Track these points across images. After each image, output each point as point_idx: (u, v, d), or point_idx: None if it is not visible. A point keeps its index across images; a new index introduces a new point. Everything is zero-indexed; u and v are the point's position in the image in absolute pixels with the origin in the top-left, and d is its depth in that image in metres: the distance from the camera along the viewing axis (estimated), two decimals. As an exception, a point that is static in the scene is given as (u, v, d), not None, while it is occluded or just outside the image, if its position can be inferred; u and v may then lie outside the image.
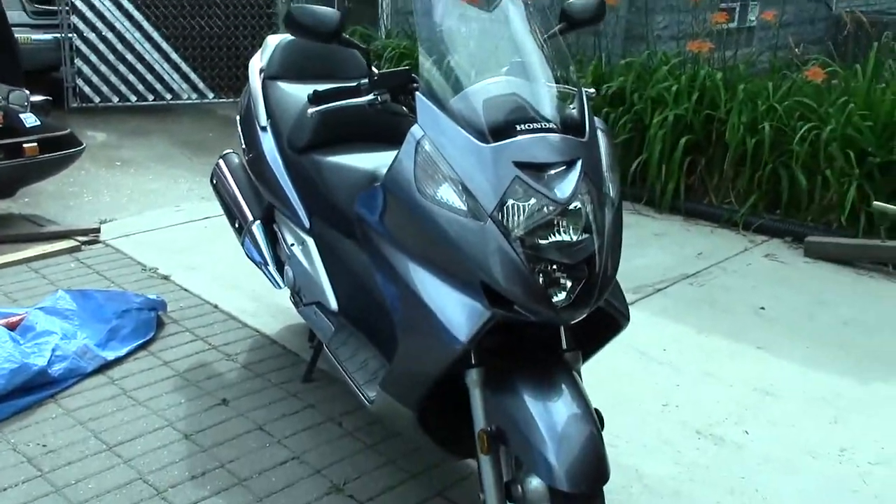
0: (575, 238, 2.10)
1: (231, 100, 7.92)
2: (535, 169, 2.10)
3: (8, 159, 4.44)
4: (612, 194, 2.24)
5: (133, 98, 7.79)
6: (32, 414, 3.05)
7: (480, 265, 2.08)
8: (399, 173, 2.20)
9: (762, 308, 4.16)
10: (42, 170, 4.75)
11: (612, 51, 6.37)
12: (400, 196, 2.21)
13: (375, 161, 2.71)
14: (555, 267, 2.09)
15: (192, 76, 7.95)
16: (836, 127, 4.90)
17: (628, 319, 2.37)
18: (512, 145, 2.10)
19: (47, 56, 7.49)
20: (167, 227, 4.91)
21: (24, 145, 4.52)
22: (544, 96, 2.26)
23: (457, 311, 2.14)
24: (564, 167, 2.13)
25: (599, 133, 2.32)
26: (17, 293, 3.96)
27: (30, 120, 4.61)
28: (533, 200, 2.06)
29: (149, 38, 7.72)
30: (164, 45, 7.78)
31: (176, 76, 7.88)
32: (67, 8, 7.38)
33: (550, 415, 2.12)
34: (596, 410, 2.25)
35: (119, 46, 7.63)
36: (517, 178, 2.06)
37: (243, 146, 3.36)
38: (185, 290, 4.09)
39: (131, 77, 7.73)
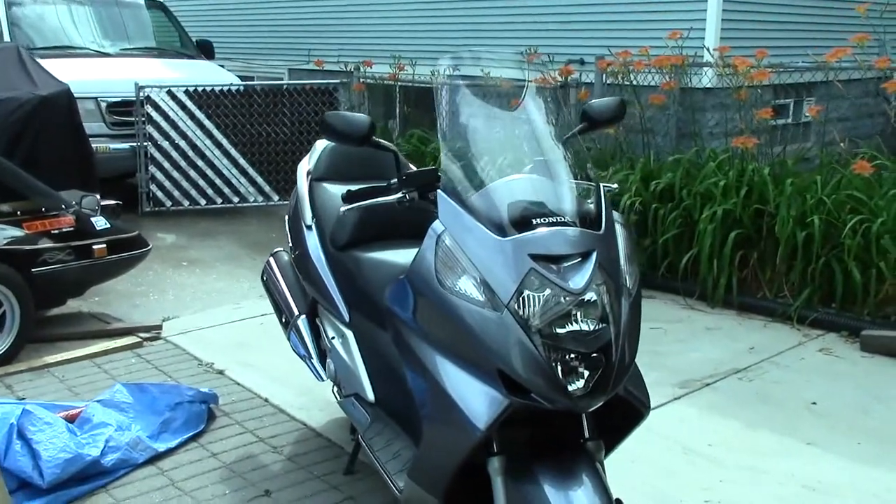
0: (590, 327, 2.16)
1: (295, 202, 8.23)
2: (551, 261, 2.18)
3: (78, 260, 4.68)
4: (628, 285, 2.31)
5: (203, 202, 8.13)
6: (85, 503, 3.16)
7: (498, 354, 2.15)
8: (421, 266, 2.31)
9: (814, 403, 4.09)
10: (111, 270, 4.99)
11: (662, 148, 6.46)
12: (422, 288, 2.30)
13: (409, 256, 2.82)
14: (572, 356, 2.15)
15: (259, 180, 8.28)
16: (886, 219, 4.87)
17: (649, 409, 2.40)
18: (528, 238, 2.19)
19: (124, 163, 7.90)
20: (225, 323, 5.08)
21: (94, 247, 4.76)
22: (561, 192, 2.36)
23: (476, 400, 2.20)
24: (580, 259, 2.21)
25: (617, 226, 2.40)
26: (79, 387, 4.14)
27: (100, 223, 4.88)
28: (548, 291, 2.14)
29: (218, 145, 8.09)
30: (233, 152, 8.14)
31: (243, 180, 8.22)
32: (143, 119, 7.82)
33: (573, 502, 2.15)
34: (618, 500, 2.26)
35: (190, 153, 8.02)
36: (532, 270, 2.15)
37: (290, 244, 3.52)
38: (238, 384, 4.22)
39: (201, 182, 8.09)
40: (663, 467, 3.45)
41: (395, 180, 2.57)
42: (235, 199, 8.23)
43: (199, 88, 8.02)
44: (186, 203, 8.09)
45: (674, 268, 5.67)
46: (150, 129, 7.88)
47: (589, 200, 2.41)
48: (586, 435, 2.32)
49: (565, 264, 2.19)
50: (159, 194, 8.01)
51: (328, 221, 3.28)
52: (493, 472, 2.23)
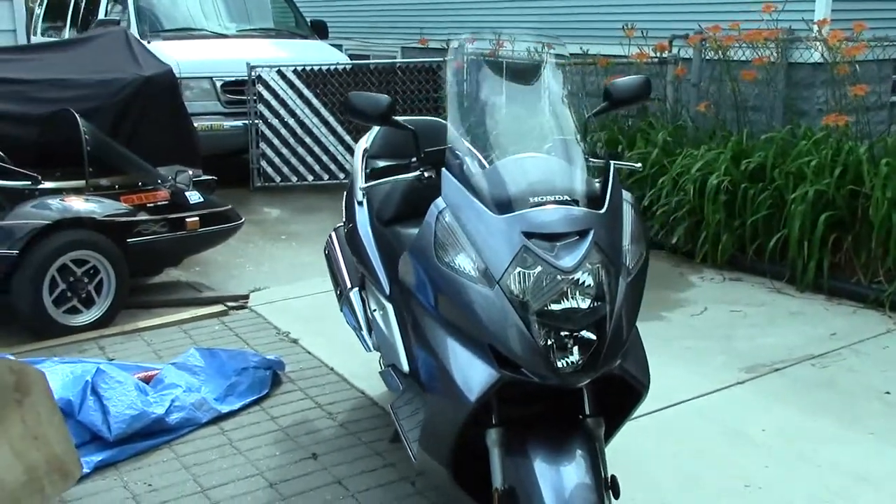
0: (580, 305, 2.19)
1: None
2: (548, 239, 2.22)
3: (172, 232, 4.99)
4: (628, 264, 2.32)
5: (310, 177, 8.43)
6: (148, 457, 3.41)
7: (489, 329, 2.21)
8: (421, 241, 2.39)
9: (887, 393, 3.93)
10: (203, 241, 5.28)
11: (764, 126, 6.26)
12: (422, 263, 2.39)
13: None
14: (563, 333, 2.18)
15: (365, 156, 8.51)
16: None
17: (646, 388, 2.40)
18: (522, 216, 2.24)
19: (237, 140, 8.27)
20: (308, 295, 5.30)
21: (187, 219, 5.06)
22: (564, 170, 2.39)
23: (469, 372, 2.27)
24: (577, 238, 2.24)
25: (625, 206, 2.41)
26: (164, 350, 4.43)
27: (194, 197, 5.17)
28: (539, 268, 2.18)
29: (325, 123, 8.36)
30: (339, 129, 8.39)
31: (349, 157, 8.47)
32: (254, 97, 8.16)
33: (558, 481, 2.20)
34: (612, 478, 2.29)
35: (299, 131, 8.31)
36: (525, 248, 2.20)
37: (344, 219, 3.66)
38: (309, 352, 4.42)
39: (309, 158, 8.38)
40: (707, 451, 3.42)
41: (415, 158, 2.65)
42: (341, 175, 8.47)
43: (308, 68, 8.28)
44: (294, 179, 8.41)
45: (762, 250, 5.51)
46: (260, 107, 8.22)
47: (597, 179, 2.43)
48: (587, 411, 2.36)
49: (561, 243, 2.23)
50: (269, 170, 8.34)
51: (377, 198, 3.40)
52: (490, 443, 2.30)
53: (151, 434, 3.49)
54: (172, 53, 8.23)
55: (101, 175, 4.84)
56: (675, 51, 6.99)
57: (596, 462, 2.28)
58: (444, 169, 2.43)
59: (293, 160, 8.37)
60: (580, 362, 2.19)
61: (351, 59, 9.40)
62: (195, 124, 7.94)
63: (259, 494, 3.14)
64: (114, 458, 3.35)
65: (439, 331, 2.37)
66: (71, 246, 4.51)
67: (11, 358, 3.24)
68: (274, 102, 8.24)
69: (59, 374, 3.57)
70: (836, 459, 3.34)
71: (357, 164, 3.66)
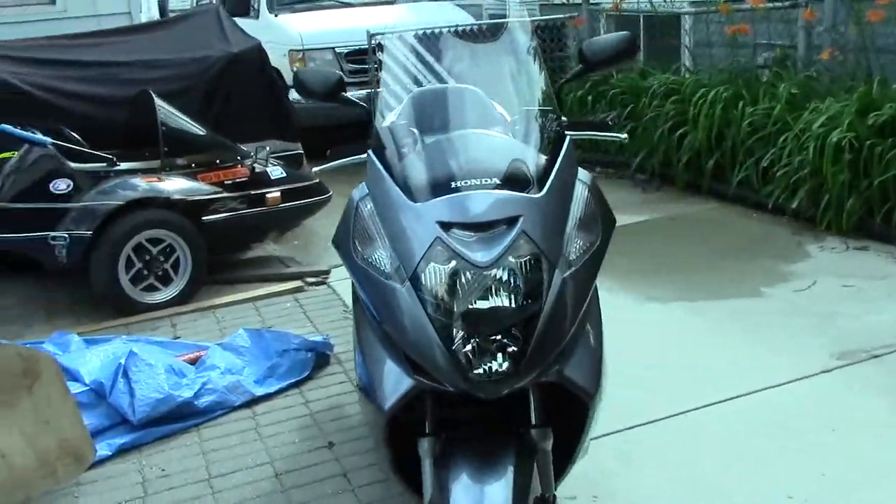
0: (504, 304, 1.92)
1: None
2: (472, 229, 1.96)
3: (251, 208, 5.00)
4: (570, 256, 2.02)
5: (434, 145, 8.31)
6: (174, 440, 3.42)
7: (399, 331, 1.99)
8: (340, 232, 2.19)
9: None
10: (287, 217, 5.26)
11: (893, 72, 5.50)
12: (342, 256, 2.19)
13: None
14: (480, 337, 1.92)
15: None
16: None
17: (592, 396, 2.08)
18: (438, 204, 2.00)
19: (360, 110, 8.25)
20: (389, 270, 5.17)
21: (267, 195, 5.06)
22: (503, 148, 2.11)
23: (386, 378, 2.07)
24: (506, 226, 1.96)
25: (578, 186, 2.10)
26: (231, 328, 4.43)
27: (276, 172, 5.16)
28: (453, 263, 1.93)
29: (447, 88, 8.19)
30: (463, 94, 8.20)
31: (473, 122, 8.27)
32: (376, 66, 8.09)
33: (479, 498, 1.95)
34: (553, 497, 2.02)
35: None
36: (438, 239, 1.95)
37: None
38: (367, 332, 4.30)
39: (432, 125, 8.26)
40: (760, 451, 3.02)
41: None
42: (466, 142, 8.29)
43: (428, 31, 8.10)
44: (419, 146, 8.31)
45: (892, 215, 4.85)
46: (382, 74, 8.13)
47: (543, 158, 2.13)
48: (532, 421, 2.09)
49: (487, 233, 1.96)
50: (393, 139, 8.28)
51: None
52: (422, 453, 2.08)
53: (181, 417, 3.49)
54: (296, 25, 8.34)
55: (181, 154, 4.90)
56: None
57: (528, 480, 2.01)
58: (370, 151, 2.21)
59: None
60: (505, 369, 1.92)
61: (490, 19, 9.14)
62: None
63: (262, 484, 3.07)
64: (138, 440, 3.38)
65: (367, 332, 2.17)
66: (144, 225, 4.61)
67: (21, 344, 3.32)
68: (396, 69, 8.13)
69: (100, 356, 3.65)
70: (910, 469, 2.86)
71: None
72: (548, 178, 2.06)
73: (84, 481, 3.17)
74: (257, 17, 8.96)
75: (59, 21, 6.38)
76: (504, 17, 9.98)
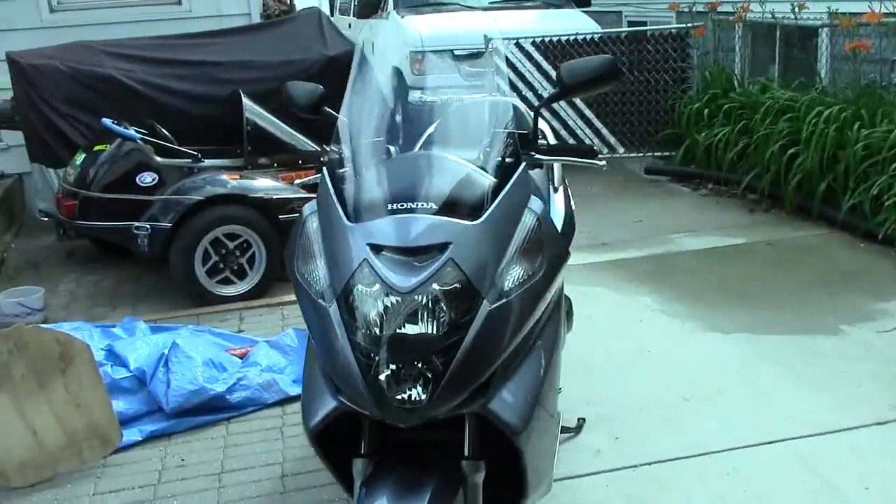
0: (428, 331, 1.87)
1: (640, 154, 7.93)
2: (403, 253, 1.93)
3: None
4: (505, 285, 1.94)
5: (548, 152, 8.21)
6: (202, 431, 3.54)
7: (322, 351, 1.99)
8: (288, 248, 2.19)
9: None
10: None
11: None
12: (287, 268, 2.20)
13: None
14: (400, 363, 1.89)
15: (604, 131, 8.09)
16: None
17: (518, 433, 1.99)
18: (370, 226, 1.98)
19: (476, 114, 8.27)
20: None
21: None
22: (449, 173, 2.06)
23: (314, 396, 2.08)
24: (437, 252, 1.92)
25: (527, 214, 2.03)
26: (287, 326, 4.55)
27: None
28: (377, 287, 1.91)
29: (564, 96, 8.07)
30: (578, 102, 8.03)
31: (588, 131, 8.10)
32: (492, 70, 8.06)
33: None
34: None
35: (535, 103, 8.11)
36: (365, 261, 1.93)
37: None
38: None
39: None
40: (786, 500, 2.83)
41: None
42: (580, 151, 8.15)
43: (546, 39, 8.02)
44: (532, 153, 8.23)
45: None
46: (498, 80, 8.10)
47: (490, 183, 2.07)
48: (466, 453, 2.03)
49: (415, 258, 1.92)
50: (507, 144, 8.24)
51: None
52: (355, 473, 2.08)
53: (213, 410, 3.60)
54: (418, 27, 8.42)
55: (264, 153, 5.06)
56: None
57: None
58: (323, 168, 2.21)
59: (530, 134, 8.19)
60: (421, 398, 1.88)
61: (630, 27, 8.92)
62: (437, 97, 8.16)
63: (265, 484, 3.13)
64: (169, 429, 3.52)
65: (310, 348, 2.17)
66: (222, 221, 4.79)
67: (59, 329, 3.51)
68: (511, 75, 8.09)
69: (149, 344, 3.82)
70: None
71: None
72: (488, 206, 2.00)
73: (109, 464, 3.32)
74: (387, 17, 9.14)
75: (183, 21, 6.69)
76: (645, 24, 9.75)
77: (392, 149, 2.24)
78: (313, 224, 2.12)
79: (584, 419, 3.42)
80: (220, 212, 4.79)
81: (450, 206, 1.99)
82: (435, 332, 1.88)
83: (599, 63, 2.28)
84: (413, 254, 1.93)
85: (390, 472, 2.02)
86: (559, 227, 3.17)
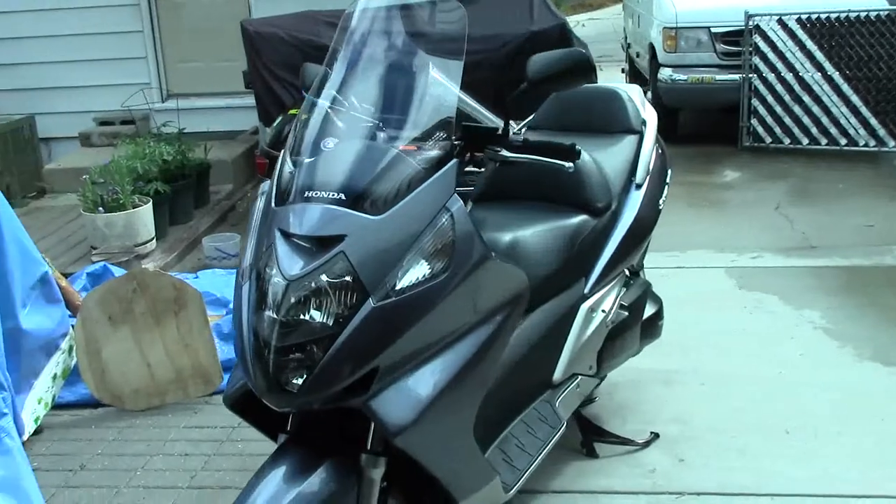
0: (301, 318, 1.89)
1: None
2: (306, 241, 1.96)
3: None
4: (397, 284, 1.90)
5: (805, 141, 7.45)
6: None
7: (234, 327, 2.06)
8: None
9: None
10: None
11: None
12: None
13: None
14: (289, 349, 1.92)
15: (872, 121, 7.20)
16: None
17: (394, 434, 1.93)
18: (283, 211, 2.03)
19: (728, 96, 7.68)
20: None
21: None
22: (373, 163, 2.03)
23: (237, 371, 2.14)
24: (335, 243, 1.92)
25: (442, 216, 1.96)
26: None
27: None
28: (274, 270, 1.95)
29: (828, 80, 7.27)
30: (845, 88, 7.22)
31: (854, 120, 7.25)
32: (750, 49, 7.49)
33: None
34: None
35: (796, 87, 7.38)
36: (272, 246, 1.98)
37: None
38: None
39: (805, 119, 7.42)
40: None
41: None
42: (843, 141, 7.35)
43: (813, 17, 7.28)
44: (787, 141, 7.55)
45: None
46: (756, 60, 7.52)
47: (414, 175, 2.01)
48: (368, 447, 2.02)
49: (315, 247, 1.94)
50: (759, 129, 7.64)
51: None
52: (278, 447, 2.13)
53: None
54: (674, 2, 8.03)
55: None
56: None
57: (335, 500, 1.95)
58: (283, 150, 2.25)
59: (787, 120, 7.51)
60: (297, 385, 1.90)
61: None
62: (687, 76, 7.84)
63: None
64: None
65: None
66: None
67: (175, 276, 3.87)
68: (771, 55, 7.45)
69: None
70: None
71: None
72: (398, 200, 1.95)
73: (210, 402, 3.65)
74: (649, -12, 8.80)
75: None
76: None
77: (325, 129, 2.20)
78: (260, 203, 2.19)
79: (656, 434, 3.19)
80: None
81: (361, 198, 1.97)
82: (321, 321, 1.89)
83: (560, 57, 2.12)
84: (316, 243, 1.94)
85: (293, 451, 2.06)
86: (624, 228, 2.95)
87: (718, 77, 7.74)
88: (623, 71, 11.02)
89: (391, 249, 1.92)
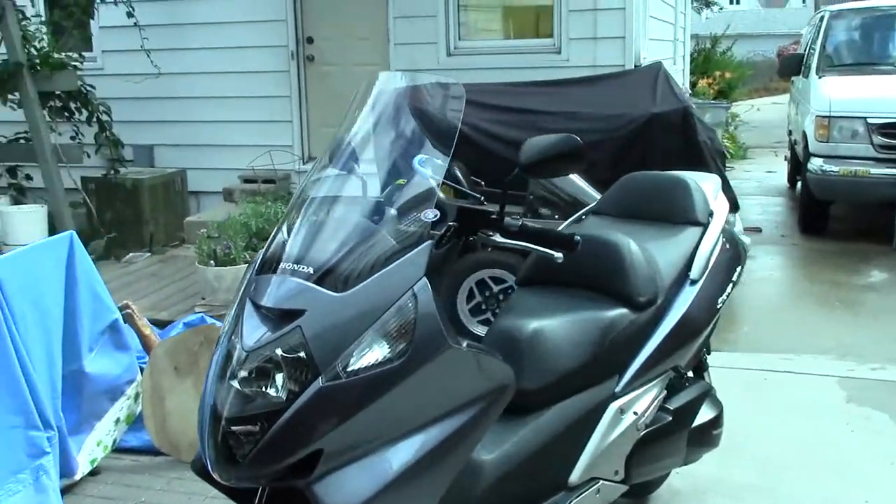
0: (251, 390, 1.87)
1: None
2: (272, 313, 1.95)
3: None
4: (351, 366, 1.84)
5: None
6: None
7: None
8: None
9: None
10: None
11: None
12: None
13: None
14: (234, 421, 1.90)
15: None
16: None
17: None
18: (256, 281, 2.03)
19: (886, 191, 7.17)
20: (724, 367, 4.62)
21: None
22: (348, 238, 2.02)
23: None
24: (296, 318, 1.90)
25: (405, 297, 1.90)
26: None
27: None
28: (237, 339, 1.95)
29: None
30: None
31: None
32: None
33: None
34: None
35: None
36: (239, 315, 1.98)
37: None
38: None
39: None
40: None
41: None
42: None
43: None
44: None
45: None
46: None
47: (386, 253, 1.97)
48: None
49: (279, 320, 1.91)
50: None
51: None
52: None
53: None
54: (831, 88, 7.64)
55: (546, 204, 5.07)
56: None
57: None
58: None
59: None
60: (237, 460, 1.87)
61: None
62: (839, 168, 7.40)
63: None
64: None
65: None
66: (488, 264, 4.91)
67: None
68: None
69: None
70: None
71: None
72: (361, 279, 1.90)
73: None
74: (807, 76, 8.42)
75: (560, 69, 6.88)
76: None
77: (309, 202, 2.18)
78: (248, 271, 2.19)
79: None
80: (490, 256, 4.91)
81: (329, 273, 1.94)
82: (275, 395, 1.85)
83: (559, 141, 2.01)
84: (279, 315, 1.92)
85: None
86: (669, 325, 2.74)
87: (874, 171, 7.25)
88: (785, 158, 10.58)
89: (349, 328, 1.87)
